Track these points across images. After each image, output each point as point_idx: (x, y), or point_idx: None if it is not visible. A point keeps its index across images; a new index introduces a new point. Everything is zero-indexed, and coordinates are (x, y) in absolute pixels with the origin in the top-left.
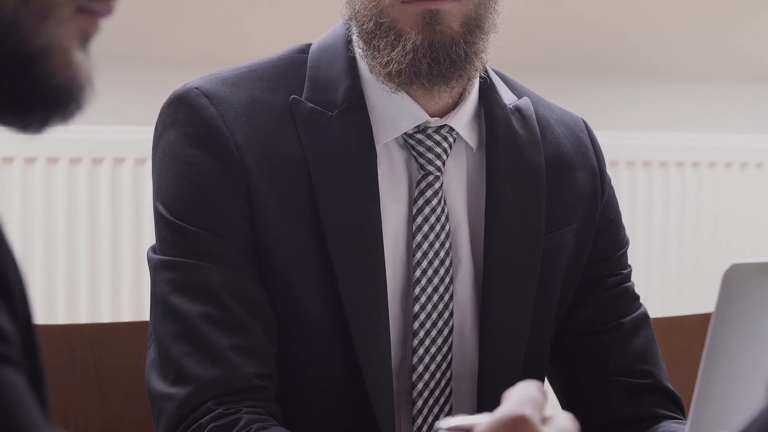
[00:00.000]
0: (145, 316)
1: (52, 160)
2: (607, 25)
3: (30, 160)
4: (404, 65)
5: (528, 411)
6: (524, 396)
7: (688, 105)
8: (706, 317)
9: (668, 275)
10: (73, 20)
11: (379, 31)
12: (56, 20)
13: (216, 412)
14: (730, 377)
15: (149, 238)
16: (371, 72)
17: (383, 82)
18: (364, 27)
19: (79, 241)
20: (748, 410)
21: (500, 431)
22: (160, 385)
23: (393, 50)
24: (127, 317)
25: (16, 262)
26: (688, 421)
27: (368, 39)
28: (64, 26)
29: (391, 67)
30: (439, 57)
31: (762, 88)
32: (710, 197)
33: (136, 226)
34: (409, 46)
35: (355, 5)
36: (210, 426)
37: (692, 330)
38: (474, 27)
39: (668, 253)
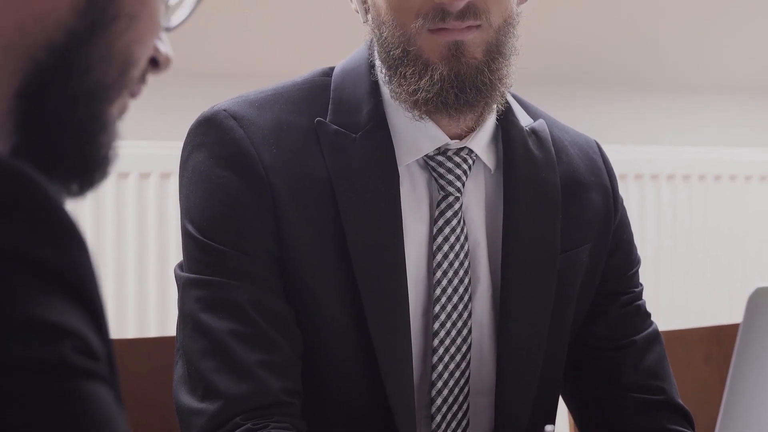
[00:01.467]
0: (152, 332)
1: None
2: (604, 38)
3: None
4: (432, 94)
5: None
6: None
7: (683, 118)
8: (708, 330)
9: (666, 289)
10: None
11: (406, 58)
12: (128, 94)
13: (245, 427)
14: (755, 398)
15: (161, 254)
16: (396, 99)
17: (408, 110)
18: (392, 54)
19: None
20: None
21: None
22: (189, 400)
23: (420, 79)
24: (131, 333)
25: (98, 279)
26: None
27: (394, 66)
28: (124, 102)
29: (418, 95)
30: (465, 87)
31: (763, 101)
32: (704, 210)
33: (146, 243)
34: (436, 77)
35: (382, 32)
36: None
37: (694, 344)
38: (496, 54)
39: (665, 266)
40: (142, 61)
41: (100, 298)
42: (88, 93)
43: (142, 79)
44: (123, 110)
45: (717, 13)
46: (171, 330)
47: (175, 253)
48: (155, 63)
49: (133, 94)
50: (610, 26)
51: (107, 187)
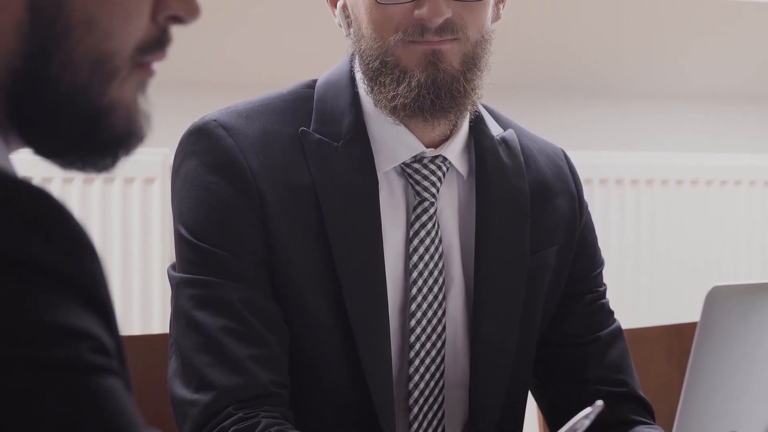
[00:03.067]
0: (136, 330)
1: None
2: (568, 50)
3: (47, 180)
4: (409, 100)
5: None
6: None
7: (644, 125)
8: (669, 328)
9: (629, 288)
10: (132, 75)
11: (384, 68)
12: (118, 80)
13: (237, 416)
14: (712, 390)
15: (145, 255)
16: (376, 106)
17: (388, 115)
18: (370, 66)
19: None
20: (728, 419)
21: None
22: (183, 392)
23: (399, 86)
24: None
25: (108, 282)
26: (674, 430)
27: (374, 76)
28: (125, 83)
29: (396, 101)
30: (441, 93)
31: (727, 109)
32: (666, 214)
33: (131, 245)
34: (414, 83)
35: (361, 45)
36: (232, 429)
37: (656, 341)
38: (472, 65)
39: (628, 267)
40: (125, 48)
41: (110, 300)
42: (65, 98)
43: (161, 46)
44: (141, 84)
45: (674, 27)
46: (156, 328)
47: (159, 255)
48: (178, 19)
49: (147, 67)
50: (573, 38)
51: (93, 192)
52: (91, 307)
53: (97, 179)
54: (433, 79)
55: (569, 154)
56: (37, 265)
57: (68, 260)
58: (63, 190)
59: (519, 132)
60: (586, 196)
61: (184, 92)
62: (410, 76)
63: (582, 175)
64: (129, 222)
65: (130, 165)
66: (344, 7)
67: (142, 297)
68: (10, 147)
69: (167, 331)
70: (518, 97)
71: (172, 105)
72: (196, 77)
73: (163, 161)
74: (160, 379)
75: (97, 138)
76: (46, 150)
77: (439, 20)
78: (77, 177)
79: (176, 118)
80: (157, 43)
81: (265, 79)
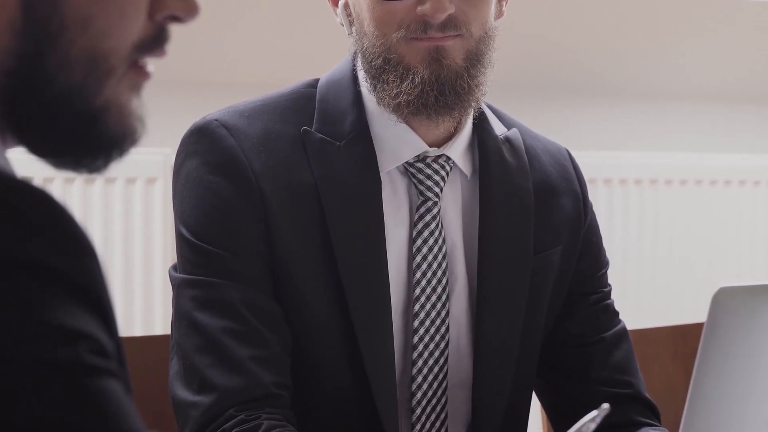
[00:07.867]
0: (138, 331)
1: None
2: (571, 49)
3: (48, 180)
4: (413, 97)
5: None
6: None
7: (648, 125)
8: (674, 329)
9: (634, 289)
10: (127, 75)
11: (387, 66)
12: (114, 80)
13: (238, 418)
14: (718, 392)
15: (146, 256)
16: (379, 104)
17: (391, 113)
18: (373, 63)
19: None
20: (735, 422)
21: None
22: (184, 394)
23: (402, 83)
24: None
25: (107, 284)
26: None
27: (377, 74)
28: (120, 84)
29: (400, 98)
30: (445, 89)
31: (731, 109)
32: (671, 213)
33: (132, 245)
34: (417, 80)
35: (363, 43)
36: (234, 431)
37: (662, 342)
38: (475, 61)
39: (634, 267)
40: (121, 47)
41: (110, 302)
42: (60, 97)
43: (159, 44)
44: (136, 86)
45: (677, 27)
46: (157, 329)
47: (161, 256)
48: (177, 18)
49: (142, 70)
50: (576, 37)
51: (94, 192)
52: (91, 308)
53: (99, 179)
54: (437, 76)
55: (573, 153)
56: (37, 265)
57: (68, 261)
58: (64, 190)
59: (523, 131)
60: (590, 197)
61: (185, 92)
62: (414, 72)
63: (586, 175)
64: (130, 222)
65: (132, 165)
66: (346, 6)
67: (143, 298)
68: (6, 144)
69: (169, 332)
70: (521, 97)
71: (173, 105)
72: (196, 77)
73: (164, 161)
74: (161, 380)
75: (90, 138)
76: (39, 149)
77: (442, 16)
78: (78, 177)
79: (177, 118)
80: (155, 42)
81: (265, 79)
